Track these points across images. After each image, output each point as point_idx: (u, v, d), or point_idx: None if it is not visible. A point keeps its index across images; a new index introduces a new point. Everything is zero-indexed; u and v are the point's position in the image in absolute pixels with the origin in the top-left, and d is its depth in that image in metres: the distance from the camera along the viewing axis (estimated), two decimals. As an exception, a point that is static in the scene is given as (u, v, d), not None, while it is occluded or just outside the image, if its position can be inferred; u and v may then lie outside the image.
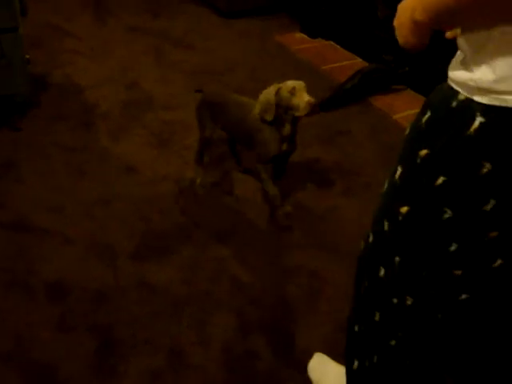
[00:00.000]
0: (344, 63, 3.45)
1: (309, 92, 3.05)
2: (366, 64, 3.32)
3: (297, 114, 1.98)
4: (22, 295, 1.80)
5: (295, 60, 3.44)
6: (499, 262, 0.98)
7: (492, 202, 0.89)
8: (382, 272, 1.10)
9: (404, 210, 1.00)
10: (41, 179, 2.30)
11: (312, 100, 1.95)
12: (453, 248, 0.96)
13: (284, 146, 2.08)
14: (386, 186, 1.08)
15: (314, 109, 1.98)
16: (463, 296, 1.05)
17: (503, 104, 0.82)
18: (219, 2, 3.87)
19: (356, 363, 1.30)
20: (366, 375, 1.27)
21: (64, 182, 2.30)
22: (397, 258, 1.05)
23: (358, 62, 3.44)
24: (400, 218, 1.01)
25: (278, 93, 1.97)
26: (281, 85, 1.98)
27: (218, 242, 2.06)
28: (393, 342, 1.17)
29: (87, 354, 1.64)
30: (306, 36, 3.76)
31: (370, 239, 1.15)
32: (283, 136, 2.05)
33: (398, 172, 1.01)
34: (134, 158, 2.46)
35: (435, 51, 3.08)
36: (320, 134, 2.74)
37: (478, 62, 0.85)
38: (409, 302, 1.08)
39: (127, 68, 3.18)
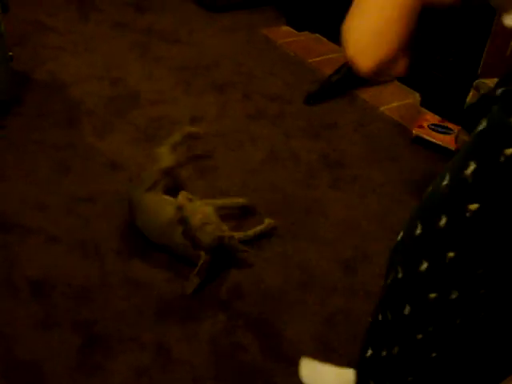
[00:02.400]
0: (330, 56, 3.44)
1: (295, 85, 3.05)
2: (353, 56, 3.30)
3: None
4: (6, 293, 1.78)
5: (282, 53, 3.42)
6: None
7: None
8: (425, 265, 1.07)
9: (474, 207, 0.96)
10: (24, 177, 2.28)
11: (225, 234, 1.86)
12: None
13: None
14: (447, 179, 1.02)
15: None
16: None
17: None
18: (205, -3, 3.85)
19: (370, 352, 1.30)
20: (380, 365, 1.28)
21: (48, 179, 2.27)
22: (450, 254, 1.02)
23: (344, 55, 3.43)
24: (468, 214, 0.97)
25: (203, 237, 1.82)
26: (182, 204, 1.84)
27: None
28: (419, 336, 1.16)
29: (72, 351, 1.62)
30: (292, 29, 3.74)
31: (418, 231, 1.09)
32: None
33: (471, 168, 0.96)
34: (120, 155, 2.44)
35: (421, 42, 3.08)
36: (306, 127, 2.73)
37: None
38: (453, 296, 1.06)
39: (112, 64, 3.15)
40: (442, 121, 2.72)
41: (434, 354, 1.18)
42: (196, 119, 2.73)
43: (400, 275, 1.15)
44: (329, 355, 1.66)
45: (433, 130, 2.64)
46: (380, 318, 1.25)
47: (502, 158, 0.91)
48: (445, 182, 1.02)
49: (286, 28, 3.75)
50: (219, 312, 1.76)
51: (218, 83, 3.03)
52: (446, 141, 2.59)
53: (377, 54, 0.77)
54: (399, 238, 1.18)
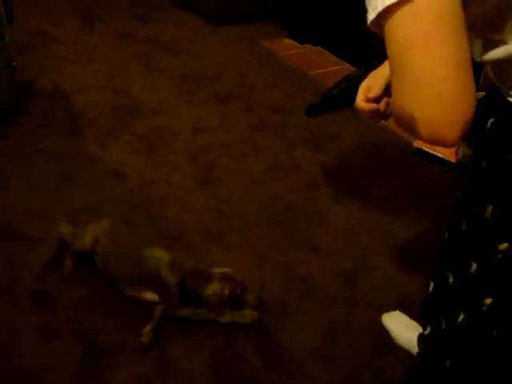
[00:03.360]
0: (332, 68, 3.46)
1: (297, 97, 3.07)
2: (354, 69, 3.32)
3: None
4: (7, 302, 1.78)
5: (283, 65, 3.45)
6: None
7: None
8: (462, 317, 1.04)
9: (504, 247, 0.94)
10: (27, 186, 2.28)
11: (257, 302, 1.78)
12: None
13: None
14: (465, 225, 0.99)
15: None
16: None
17: None
18: (208, 8, 3.87)
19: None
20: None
21: (50, 188, 2.28)
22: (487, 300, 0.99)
23: (346, 68, 3.46)
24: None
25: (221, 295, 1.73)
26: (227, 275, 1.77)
27: (205, 245, 2.05)
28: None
29: (73, 361, 1.62)
30: (294, 42, 3.77)
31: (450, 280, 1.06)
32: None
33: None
34: (121, 164, 2.45)
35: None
36: (308, 138, 2.74)
37: None
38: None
39: (115, 74, 3.17)
40: (442, 133, 2.73)
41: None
42: (198, 130, 2.74)
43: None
44: (329, 366, 1.66)
45: (434, 142, 2.66)
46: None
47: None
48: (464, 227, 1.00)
49: (288, 40, 3.78)
50: (220, 322, 1.76)
51: (221, 94, 3.05)
52: (446, 153, 2.61)
53: (460, 118, 0.70)
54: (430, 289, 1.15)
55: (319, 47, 3.74)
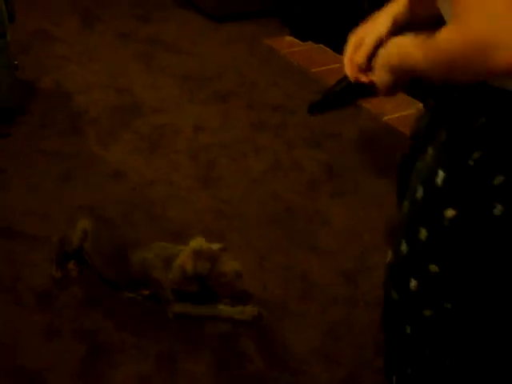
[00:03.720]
0: (334, 66, 3.45)
1: (299, 95, 3.07)
2: (356, 67, 3.32)
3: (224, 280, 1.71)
4: (9, 302, 1.79)
5: (285, 63, 3.45)
6: None
7: None
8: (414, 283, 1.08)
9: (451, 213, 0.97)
10: (28, 185, 2.29)
11: (240, 270, 1.72)
12: None
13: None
14: (420, 192, 1.03)
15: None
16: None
17: None
18: (209, 7, 3.87)
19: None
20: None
21: (51, 188, 2.29)
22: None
23: (348, 65, 3.45)
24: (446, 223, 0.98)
25: (195, 269, 1.68)
26: (195, 250, 1.71)
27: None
28: (427, 352, 1.16)
29: (75, 360, 1.63)
30: (295, 39, 3.77)
31: (404, 250, 1.10)
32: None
33: (440, 176, 0.98)
34: (123, 163, 2.46)
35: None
36: (309, 137, 2.74)
37: None
38: (449, 306, 1.06)
39: (116, 73, 3.17)
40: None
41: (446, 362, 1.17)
42: (199, 129, 2.74)
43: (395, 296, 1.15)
44: (330, 365, 1.66)
45: (435, 140, 2.65)
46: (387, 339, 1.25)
47: (471, 163, 0.93)
48: (419, 194, 1.03)
49: (289, 38, 3.78)
50: (222, 321, 1.76)
51: (222, 93, 3.05)
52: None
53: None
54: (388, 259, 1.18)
55: (321, 45, 3.73)
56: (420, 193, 1.03)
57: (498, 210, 0.92)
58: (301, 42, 3.74)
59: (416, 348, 1.17)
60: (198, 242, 1.74)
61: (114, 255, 1.81)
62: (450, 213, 0.97)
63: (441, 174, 0.97)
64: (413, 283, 1.08)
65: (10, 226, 2.08)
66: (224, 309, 1.78)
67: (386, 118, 2.93)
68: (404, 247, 1.09)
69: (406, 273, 1.10)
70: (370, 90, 1.17)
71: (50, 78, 3.05)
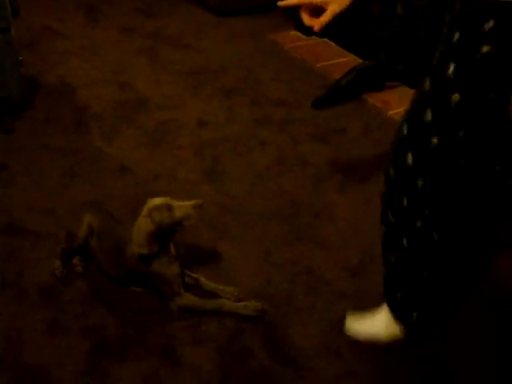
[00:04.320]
0: (338, 61, 3.44)
1: (303, 90, 3.06)
2: (361, 61, 3.31)
3: (187, 223, 1.72)
4: (14, 298, 1.79)
5: (289, 58, 3.43)
6: None
7: None
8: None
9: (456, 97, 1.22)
10: (32, 181, 2.29)
11: (198, 202, 1.73)
12: None
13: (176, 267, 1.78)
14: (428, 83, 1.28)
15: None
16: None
17: None
18: (213, 1, 3.86)
19: (393, 257, 1.53)
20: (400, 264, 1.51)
21: (56, 183, 2.29)
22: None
23: (353, 60, 3.43)
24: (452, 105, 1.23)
25: (153, 220, 1.67)
26: (148, 209, 1.69)
27: (210, 239, 2.05)
28: (419, 224, 1.40)
29: (80, 356, 1.63)
30: (300, 34, 3.75)
31: (405, 131, 1.36)
32: (173, 255, 1.78)
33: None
34: (127, 159, 2.45)
35: (429, 48, 3.07)
36: (314, 132, 2.73)
37: None
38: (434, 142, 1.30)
39: (120, 68, 3.17)
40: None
41: (435, 236, 1.42)
42: (203, 124, 2.73)
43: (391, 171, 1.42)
44: (335, 360, 1.65)
45: (441, 134, 2.64)
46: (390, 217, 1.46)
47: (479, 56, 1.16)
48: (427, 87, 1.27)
49: (294, 33, 3.76)
50: (226, 316, 1.76)
51: (226, 88, 3.04)
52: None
53: None
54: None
55: (326, 39, 3.71)
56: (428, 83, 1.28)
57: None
58: (305, 37, 3.72)
59: (410, 220, 1.40)
60: (151, 202, 1.71)
61: (116, 251, 1.81)
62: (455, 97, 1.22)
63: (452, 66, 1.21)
64: (409, 158, 1.34)
65: (14, 222, 2.07)
66: (228, 303, 1.77)
67: (390, 112, 2.91)
68: (405, 128, 1.36)
69: (404, 149, 1.36)
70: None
71: (54, 74, 3.05)
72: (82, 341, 1.66)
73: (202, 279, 1.85)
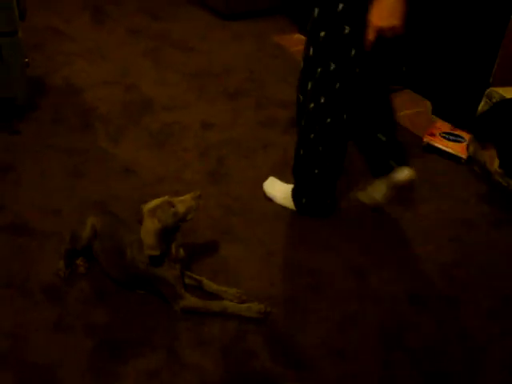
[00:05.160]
0: (342, 64, 3.45)
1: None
2: (365, 64, 3.31)
3: (190, 216, 1.75)
4: (19, 296, 1.81)
5: (294, 61, 3.43)
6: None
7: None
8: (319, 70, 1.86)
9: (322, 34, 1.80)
10: (39, 182, 2.31)
11: (196, 193, 1.74)
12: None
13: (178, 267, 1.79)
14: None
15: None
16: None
17: None
18: (218, 4, 3.88)
19: (302, 151, 2.05)
20: (309, 154, 2.03)
21: (62, 184, 2.31)
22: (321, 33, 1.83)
23: (357, 63, 3.44)
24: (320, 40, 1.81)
25: (159, 219, 1.69)
26: (149, 209, 1.71)
27: (216, 240, 2.07)
28: (328, 120, 1.93)
29: (84, 355, 1.64)
30: (304, 37, 3.75)
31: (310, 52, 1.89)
32: (174, 257, 1.78)
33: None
34: (133, 160, 2.47)
35: (431, 52, 3.08)
36: (318, 135, 2.74)
37: None
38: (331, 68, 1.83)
39: (126, 70, 3.19)
40: (453, 129, 2.72)
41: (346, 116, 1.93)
42: (208, 125, 2.75)
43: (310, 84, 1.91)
44: (339, 361, 1.66)
45: (444, 138, 2.65)
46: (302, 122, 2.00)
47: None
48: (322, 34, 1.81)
49: (298, 35, 3.77)
50: (229, 318, 1.77)
51: (230, 90, 3.06)
52: (456, 149, 2.59)
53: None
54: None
55: (329, 42, 3.72)
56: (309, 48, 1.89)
57: (347, 30, 1.74)
58: (309, 40, 3.73)
59: (308, 103, 1.93)
60: (149, 204, 1.73)
61: (118, 254, 1.81)
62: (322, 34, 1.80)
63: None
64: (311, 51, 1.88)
65: (20, 222, 2.09)
66: (231, 305, 1.78)
67: (394, 115, 2.92)
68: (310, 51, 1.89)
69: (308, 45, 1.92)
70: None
71: (60, 75, 3.08)
72: (85, 340, 1.68)
73: (205, 281, 1.86)
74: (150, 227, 1.68)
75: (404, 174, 2.05)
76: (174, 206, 1.70)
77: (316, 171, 2.05)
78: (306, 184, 2.11)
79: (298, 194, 2.16)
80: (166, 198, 1.73)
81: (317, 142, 1.98)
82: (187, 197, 1.73)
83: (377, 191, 2.15)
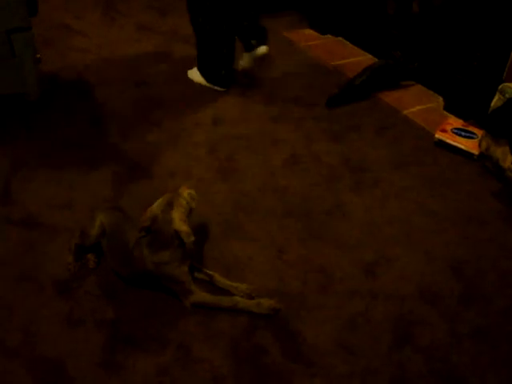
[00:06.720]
0: (353, 59, 3.44)
1: (318, 88, 3.05)
2: (376, 60, 3.30)
3: (194, 204, 1.81)
4: (31, 290, 1.82)
5: (304, 56, 3.43)
6: None
7: None
8: None
9: None
10: (50, 176, 2.32)
11: (185, 184, 1.81)
12: None
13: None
14: None
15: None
16: None
17: None
18: None
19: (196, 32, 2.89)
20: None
21: (72, 179, 2.32)
22: None
23: (368, 58, 3.43)
24: None
25: (181, 204, 1.75)
26: (162, 204, 1.74)
27: (224, 237, 2.07)
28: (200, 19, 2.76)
29: (95, 349, 1.65)
30: (315, 32, 3.75)
31: None
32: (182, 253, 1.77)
33: None
34: (143, 155, 2.48)
35: (443, 47, 3.06)
36: (329, 130, 2.73)
37: None
38: None
39: (136, 66, 3.19)
40: (465, 125, 2.70)
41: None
42: (218, 121, 2.75)
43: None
44: (349, 358, 1.66)
45: (456, 134, 2.63)
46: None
47: None
48: None
49: (308, 31, 3.77)
50: (239, 313, 1.77)
51: (241, 86, 3.05)
52: (469, 145, 2.57)
53: None
54: None
55: (340, 38, 3.71)
56: None
57: None
58: (320, 35, 3.73)
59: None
60: (151, 212, 1.76)
61: (126, 252, 1.81)
62: None
63: None
64: None
65: (31, 216, 2.11)
66: (241, 301, 1.78)
67: (405, 111, 2.91)
68: None
69: None
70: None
71: (72, 71, 3.09)
72: (97, 334, 1.69)
73: (217, 276, 1.86)
74: (179, 216, 1.71)
75: (261, 50, 2.89)
76: (180, 197, 1.77)
77: (207, 45, 2.86)
78: (203, 56, 2.94)
79: (200, 66, 2.99)
80: (165, 197, 1.77)
81: (204, 23, 2.79)
82: (183, 187, 1.81)
83: (245, 61, 3.01)
